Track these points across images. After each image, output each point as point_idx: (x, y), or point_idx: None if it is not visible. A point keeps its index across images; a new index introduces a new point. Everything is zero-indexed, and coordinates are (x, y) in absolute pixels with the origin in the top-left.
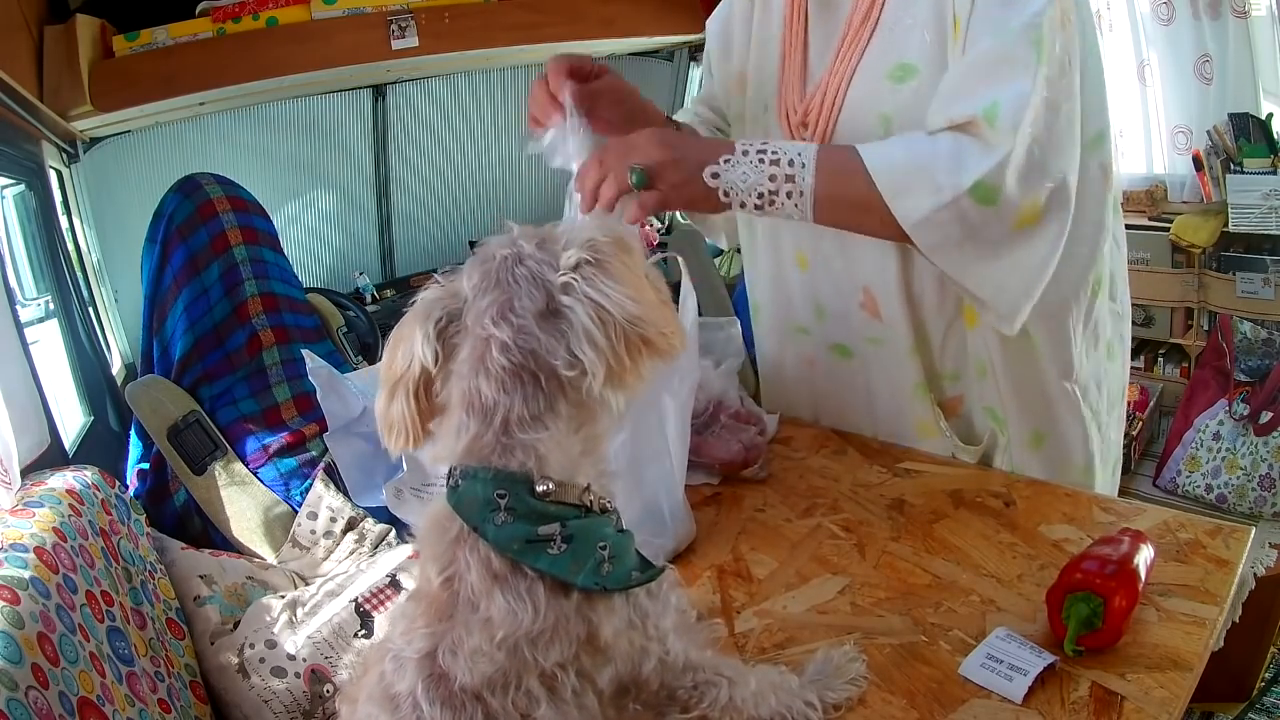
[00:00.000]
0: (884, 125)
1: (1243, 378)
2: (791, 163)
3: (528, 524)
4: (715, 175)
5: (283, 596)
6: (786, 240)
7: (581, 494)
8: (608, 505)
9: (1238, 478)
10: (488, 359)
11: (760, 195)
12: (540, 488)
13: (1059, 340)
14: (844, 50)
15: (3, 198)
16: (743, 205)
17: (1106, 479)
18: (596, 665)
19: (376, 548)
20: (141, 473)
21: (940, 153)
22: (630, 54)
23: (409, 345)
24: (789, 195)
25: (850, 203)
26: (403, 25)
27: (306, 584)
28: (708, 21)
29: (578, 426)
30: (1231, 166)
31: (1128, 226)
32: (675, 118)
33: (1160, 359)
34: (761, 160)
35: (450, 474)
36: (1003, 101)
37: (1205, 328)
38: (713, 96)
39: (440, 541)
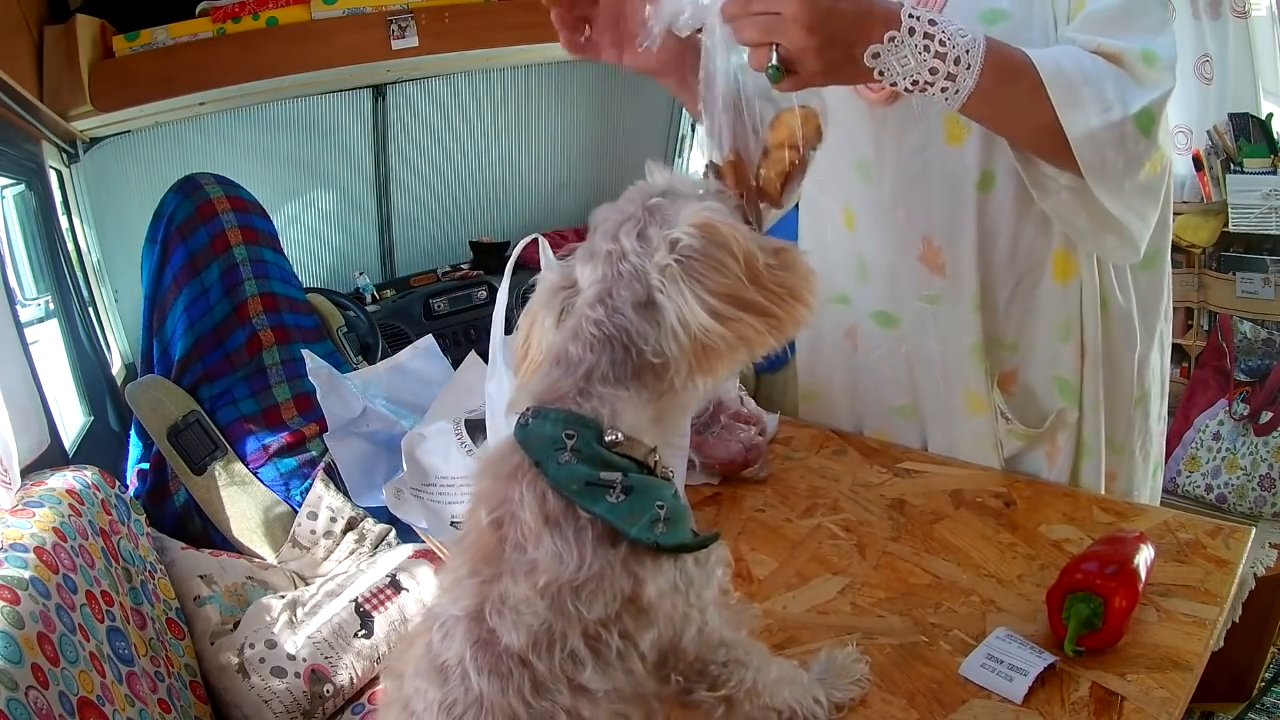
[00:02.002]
0: None
1: (1243, 378)
2: (958, 60)
3: (591, 467)
4: (875, 55)
5: (283, 596)
6: (834, 197)
7: (647, 453)
8: (669, 475)
9: (1238, 478)
10: (580, 329)
11: (914, 83)
12: (609, 437)
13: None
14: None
15: (3, 198)
16: (891, 84)
17: (1146, 475)
18: (639, 627)
19: (376, 548)
20: (141, 473)
21: (1107, 72)
22: None
23: (540, 333)
24: (943, 90)
25: (1004, 107)
26: (403, 25)
27: (306, 584)
28: None
29: (659, 395)
30: (1231, 166)
31: None
32: None
33: None
34: (927, 50)
35: (522, 414)
36: (1159, 49)
37: (1205, 328)
38: None
39: (496, 477)
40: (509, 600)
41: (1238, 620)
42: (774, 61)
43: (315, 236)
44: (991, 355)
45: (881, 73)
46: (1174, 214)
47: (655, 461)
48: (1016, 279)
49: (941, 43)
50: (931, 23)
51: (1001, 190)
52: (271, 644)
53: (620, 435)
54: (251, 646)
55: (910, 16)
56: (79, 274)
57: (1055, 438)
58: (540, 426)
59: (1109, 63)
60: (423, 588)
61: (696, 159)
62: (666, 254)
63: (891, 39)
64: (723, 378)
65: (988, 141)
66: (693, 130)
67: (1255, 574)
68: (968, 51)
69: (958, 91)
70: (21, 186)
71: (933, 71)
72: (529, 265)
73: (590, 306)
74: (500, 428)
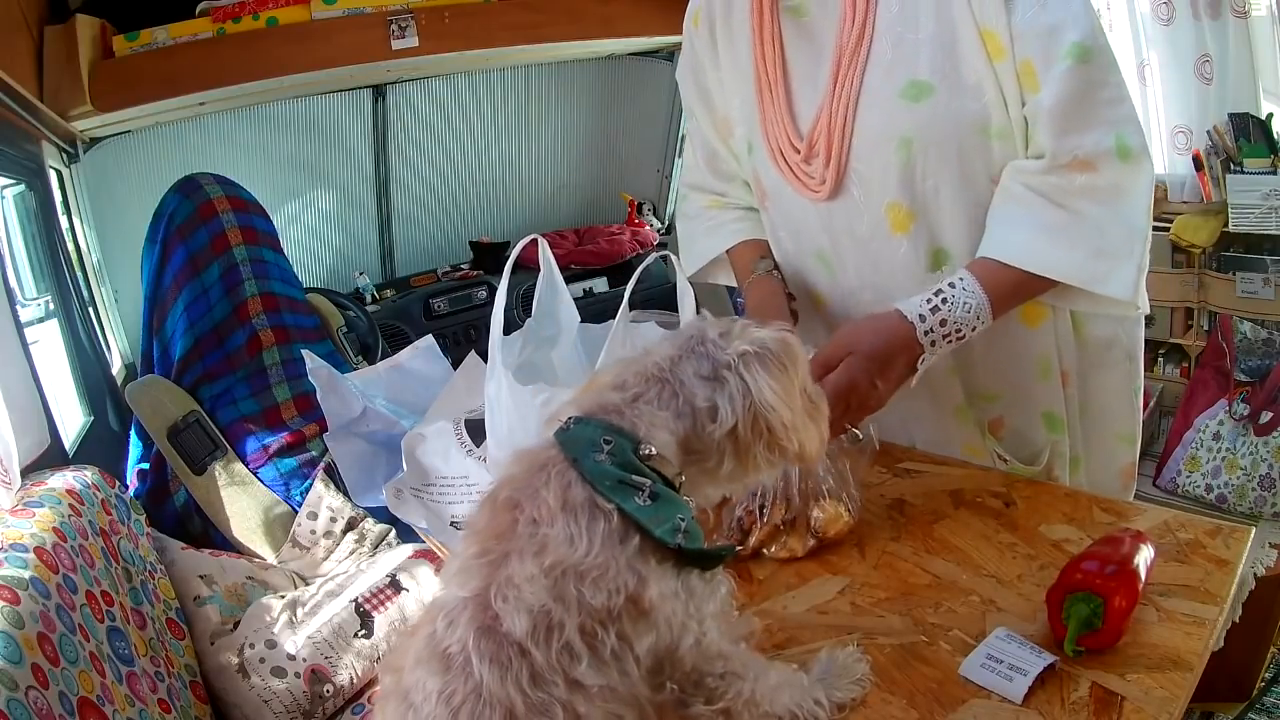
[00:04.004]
0: (905, 149)
1: (1243, 378)
2: (975, 328)
3: (623, 470)
4: (922, 361)
5: (283, 596)
6: (801, 282)
7: (675, 474)
8: (689, 502)
9: (1238, 478)
10: (643, 367)
11: (952, 354)
12: (643, 450)
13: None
14: (842, 73)
15: (3, 198)
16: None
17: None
18: (638, 631)
19: (376, 548)
20: (141, 473)
21: (1099, 220)
22: (630, 54)
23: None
24: (972, 333)
25: (1022, 301)
26: (403, 25)
27: (306, 584)
28: (677, 74)
29: (689, 451)
30: (1231, 166)
31: None
32: (682, 206)
33: (1160, 359)
34: (949, 342)
35: (564, 422)
36: (1129, 136)
37: (1205, 328)
38: (714, 155)
39: (526, 466)
40: (515, 580)
41: (1238, 620)
42: (850, 432)
43: (315, 236)
44: (977, 407)
45: (921, 377)
46: (1174, 214)
47: (681, 483)
48: (988, 340)
49: (958, 329)
50: (942, 322)
51: (956, 263)
52: (271, 644)
53: (653, 450)
54: (251, 646)
55: (924, 333)
56: (79, 274)
57: (1053, 471)
58: (581, 430)
59: (1089, 199)
60: (423, 588)
61: None
62: (745, 344)
63: (922, 361)
64: (748, 473)
65: (934, 224)
66: None
67: (1255, 574)
68: (977, 316)
69: (983, 327)
70: (21, 186)
71: (961, 338)
72: (528, 265)
73: (657, 359)
74: (500, 428)
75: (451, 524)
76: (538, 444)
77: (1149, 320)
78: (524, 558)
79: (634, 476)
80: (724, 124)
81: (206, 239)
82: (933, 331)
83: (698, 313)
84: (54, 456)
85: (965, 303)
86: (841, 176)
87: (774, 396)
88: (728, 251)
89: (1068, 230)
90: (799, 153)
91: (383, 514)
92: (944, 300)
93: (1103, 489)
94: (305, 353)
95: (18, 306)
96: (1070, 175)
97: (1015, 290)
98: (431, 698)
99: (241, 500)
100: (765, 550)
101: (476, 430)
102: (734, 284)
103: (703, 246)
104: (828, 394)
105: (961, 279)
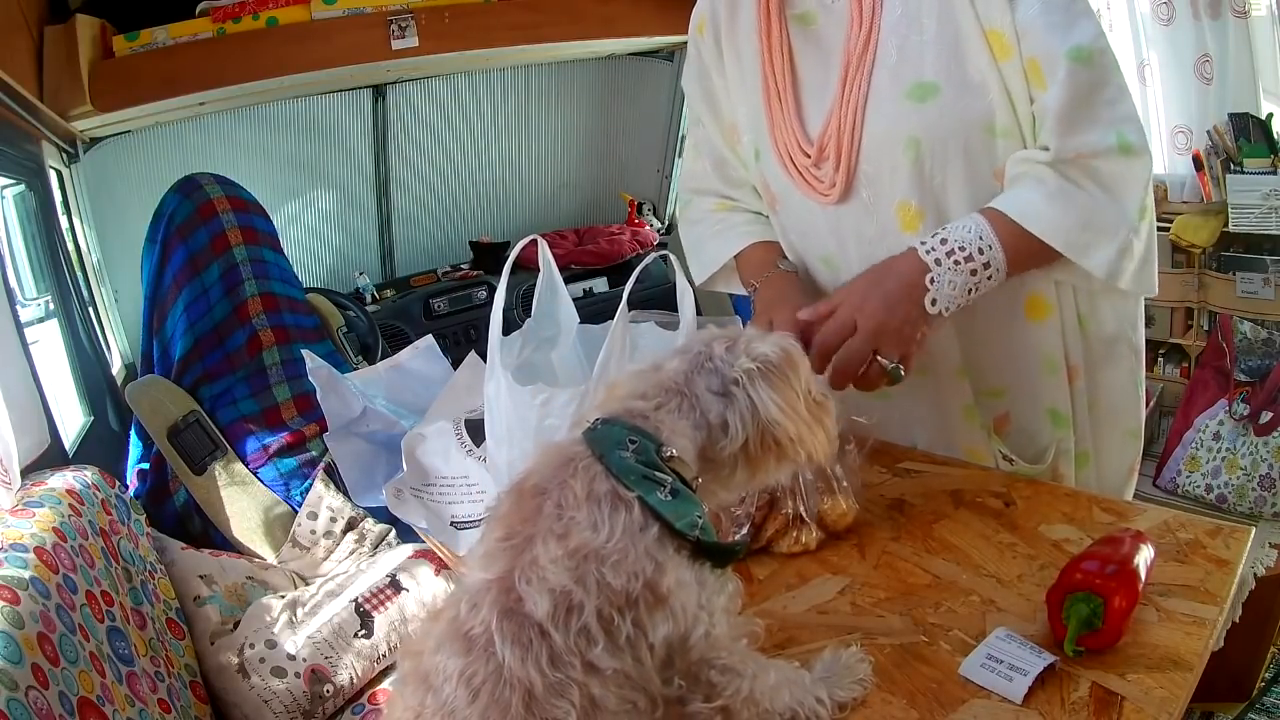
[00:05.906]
0: (913, 148)
1: (1243, 378)
2: (980, 250)
3: (647, 468)
4: (934, 302)
5: (283, 596)
6: (810, 282)
7: (692, 478)
8: (704, 508)
9: (1238, 478)
10: (662, 381)
11: (970, 292)
12: (666, 452)
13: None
14: (850, 77)
15: (3, 198)
16: (948, 310)
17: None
18: (654, 620)
19: (376, 548)
20: (141, 473)
21: (1097, 199)
22: (630, 54)
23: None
24: (989, 279)
25: (1030, 253)
26: (403, 25)
27: (306, 584)
28: (683, 81)
29: (704, 459)
30: (1231, 166)
31: None
32: (685, 212)
33: (1160, 359)
34: (956, 264)
35: (590, 423)
36: (1130, 133)
37: (1205, 328)
38: (724, 162)
39: (554, 461)
40: (539, 562)
41: (1238, 620)
42: (890, 365)
43: (315, 236)
44: (983, 405)
45: (946, 308)
46: (1174, 214)
47: (697, 485)
48: (994, 334)
49: (961, 247)
50: (943, 241)
51: None
52: (271, 644)
53: (674, 453)
54: (251, 646)
55: (926, 252)
56: (79, 274)
57: (1058, 469)
58: (607, 430)
59: (1090, 179)
60: (423, 588)
61: None
62: (749, 361)
63: (931, 280)
64: (758, 478)
65: (943, 222)
66: None
67: (1255, 574)
68: (980, 237)
69: (999, 270)
70: (21, 186)
71: (973, 274)
72: (528, 265)
73: (671, 373)
74: (499, 428)
75: (451, 524)
76: (562, 440)
77: (1149, 320)
78: (548, 541)
79: (656, 473)
80: (730, 130)
81: (206, 239)
82: (934, 250)
83: (698, 314)
84: (54, 456)
85: (964, 224)
86: (851, 179)
87: (779, 413)
88: (736, 256)
89: (1062, 195)
90: (809, 157)
91: (383, 514)
92: (942, 227)
93: (1111, 485)
94: (305, 353)
95: (18, 306)
96: (1073, 164)
97: (1013, 232)
98: (452, 679)
99: (241, 500)
100: (776, 544)
101: (476, 430)
102: (743, 292)
103: (712, 251)
104: (840, 325)
105: (960, 218)
